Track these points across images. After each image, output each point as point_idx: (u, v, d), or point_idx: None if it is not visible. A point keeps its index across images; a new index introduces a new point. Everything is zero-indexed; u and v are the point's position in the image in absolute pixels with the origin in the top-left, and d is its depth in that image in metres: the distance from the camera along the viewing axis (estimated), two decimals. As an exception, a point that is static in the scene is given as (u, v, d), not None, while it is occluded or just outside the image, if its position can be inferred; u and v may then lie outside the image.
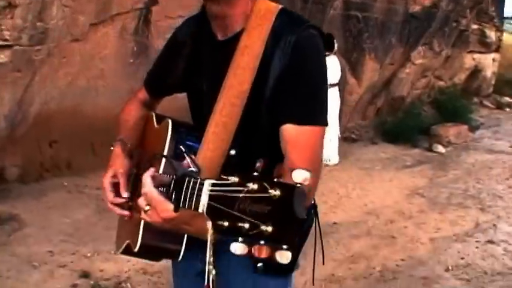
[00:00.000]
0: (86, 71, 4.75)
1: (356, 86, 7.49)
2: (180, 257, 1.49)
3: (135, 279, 3.62)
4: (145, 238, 1.47)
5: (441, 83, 9.43)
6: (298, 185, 0.92)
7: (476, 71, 10.03)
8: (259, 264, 1.35)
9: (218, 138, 1.39)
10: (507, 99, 10.27)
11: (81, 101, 4.80)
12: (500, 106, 10.10)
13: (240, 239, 0.95)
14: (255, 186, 0.93)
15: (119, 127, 1.75)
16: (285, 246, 0.91)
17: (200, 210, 1.06)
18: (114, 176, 1.65)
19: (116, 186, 1.65)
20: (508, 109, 10.02)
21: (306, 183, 0.91)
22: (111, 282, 3.57)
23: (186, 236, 1.47)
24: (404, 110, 8.61)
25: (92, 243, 3.96)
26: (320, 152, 1.40)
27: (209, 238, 1.09)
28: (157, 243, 1.46)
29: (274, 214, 0.90)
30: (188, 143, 1.44)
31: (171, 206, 1.18)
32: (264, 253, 0.92)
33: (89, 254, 3.83)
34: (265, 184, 0.92)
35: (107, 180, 1.64)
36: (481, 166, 6.88)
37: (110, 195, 1.64)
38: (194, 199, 1.10)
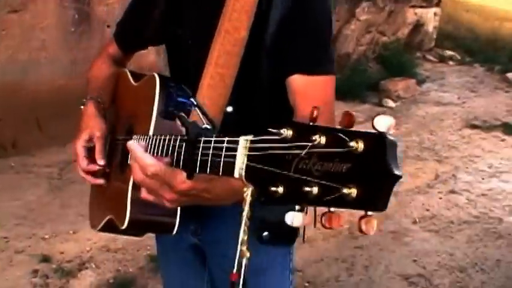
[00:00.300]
0: (27, 43, 4.46)
1: (303, 45, 7.38)
2: (175, 230, 1.32)
3: (98, 258, 3.45)
4: (134, 212, 1.27)
5: (385, 39, 9.40)
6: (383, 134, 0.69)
7: (418, 26, 10.04)
8: (265, 233, 1.20)
9: (215, 93, 1.20)
10: (449, 52, 10.34)
11: (23, 75, 4.52)
12: (442, 59, 10.16)
13: (297, 207, 0.73)
14: (323, 139, 0.70)
15: (88, 85, 1.54)
16: (370, 213, 0.68)
17: (236, 175, 0.81)
18: (90, 139, 1.45)
19: (90, 151, 1.45)
20: (451, 62, 10.09)
21: (391, 131, 0.68)
22: (74, 263, 3.39)
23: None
24: (351, 67, 8.55)
25: (49, 224, 3.76)
26: (333, 104, 1.25)
27: (245, 209, 0.86)
28: (148, 217, 1.27)
29: (358, 172, 0.68)
30: (179, 99, 1.25)
31: (185, 174, 0.95)
32: (336, 222, 0.71)
33: (46, 236, 3.63)
34: (342, 135, 0.68)
35: (80, 145, 1.44)
36: (432, 118, 6.91)
37: (83, 162, 1.43)
38: (222, 162, 0.85)
